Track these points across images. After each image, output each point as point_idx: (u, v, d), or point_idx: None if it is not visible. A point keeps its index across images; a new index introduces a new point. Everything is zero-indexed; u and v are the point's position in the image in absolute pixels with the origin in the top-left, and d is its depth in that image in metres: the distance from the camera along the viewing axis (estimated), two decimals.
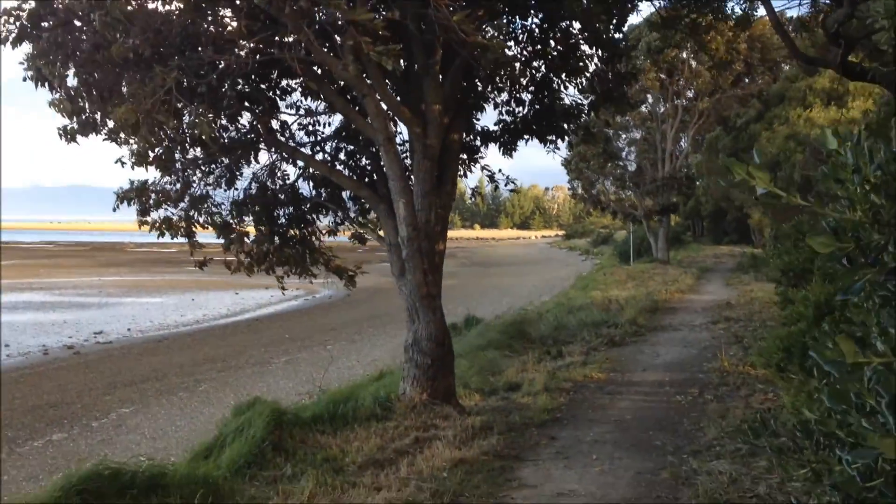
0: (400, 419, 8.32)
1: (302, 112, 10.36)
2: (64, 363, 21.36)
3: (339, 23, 8.39)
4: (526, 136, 10.58)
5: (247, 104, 9.29)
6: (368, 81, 8.43)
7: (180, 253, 77.09)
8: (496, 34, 7.26)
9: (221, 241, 10.47)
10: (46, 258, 74.81)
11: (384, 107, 8.80)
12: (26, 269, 58.39)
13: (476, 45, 7.14)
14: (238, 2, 7.87)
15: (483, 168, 10.59)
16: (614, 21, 10.04)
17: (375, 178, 10.10)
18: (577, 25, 9.86)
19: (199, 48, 7.77)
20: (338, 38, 8.40)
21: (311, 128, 10.58)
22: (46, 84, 8.00)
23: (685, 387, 10.86)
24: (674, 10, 12.70)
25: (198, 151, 9.76)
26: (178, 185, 9.92)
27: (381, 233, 9.89)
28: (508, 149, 10.64)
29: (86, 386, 17.60)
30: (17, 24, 7.81)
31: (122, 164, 9.30)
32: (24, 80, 8.06)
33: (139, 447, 12.27)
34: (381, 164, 9.79)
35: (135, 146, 8.93)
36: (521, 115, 10.53)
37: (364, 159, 10.54)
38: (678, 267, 35.22)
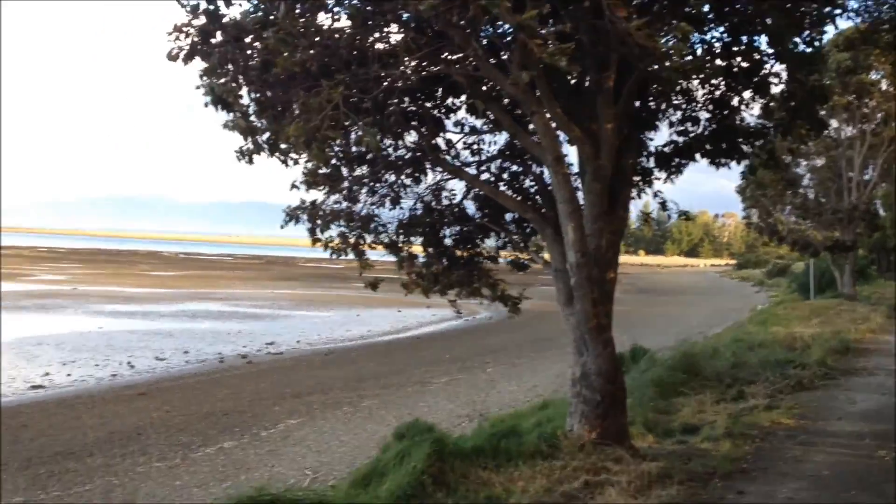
0: (567, 459, 7.86)
1: (466, 130, 10.23)
2: (237, 371, 22.25)
3: (506, 39, 8.22)
4: (699, 158, 9.99)
5: (412, 122, 9.26)
6: (537, 95, 8.17)
7: (347, 269, 79.48)
8: (676, 39, 6.78)
9: (392, 259, 10.48)
10: (225, 270, 79.07)
11: (553, 125, 8.51)
12: (207, 279, 61.84)
13: (654, 53, 6.70)
14: (405, 16, 7.80)
15: (655, 193, 10.08)
16: (807, 35, 9.30)
17: (540, 200, 9.83)
18: (763, 39, 9.22)
19: (366, 64, 7.74)
20: (504, 56, 8.22)
21: (475, 147, 10.44)
22: (220, 105, 8.13)
23: (888, 440, 9.83)
24: (873, 25, 11.76)
25: (364, 169, 9.82)
26: (346, 204, 10.00)
27: (546, 257, 9.57)
28: (677, 171, 10.11)
29: (257, 395, 18.19)
30: (188, 40, 7.97)
31: (297, 187, 9.49)
32: (206, 104, 8.22)
33: (305, 460, 12.46)
34: (547, 185, 9.50)
35: (305, 166, 9.07)
36: (694, 134, 9.97)
37: (528, 180, 10.29)
38: (866, 304, 32.77)
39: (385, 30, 7.94)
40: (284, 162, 8.60)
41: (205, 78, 8.07)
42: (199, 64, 8.11)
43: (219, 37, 7.94)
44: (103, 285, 50.12)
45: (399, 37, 7.76)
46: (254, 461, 12.58)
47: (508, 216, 10.44)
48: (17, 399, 18.10)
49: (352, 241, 10.07)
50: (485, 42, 7.93)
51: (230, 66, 8.01)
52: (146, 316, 34.89)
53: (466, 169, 10.03)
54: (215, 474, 11.92)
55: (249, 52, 8.00)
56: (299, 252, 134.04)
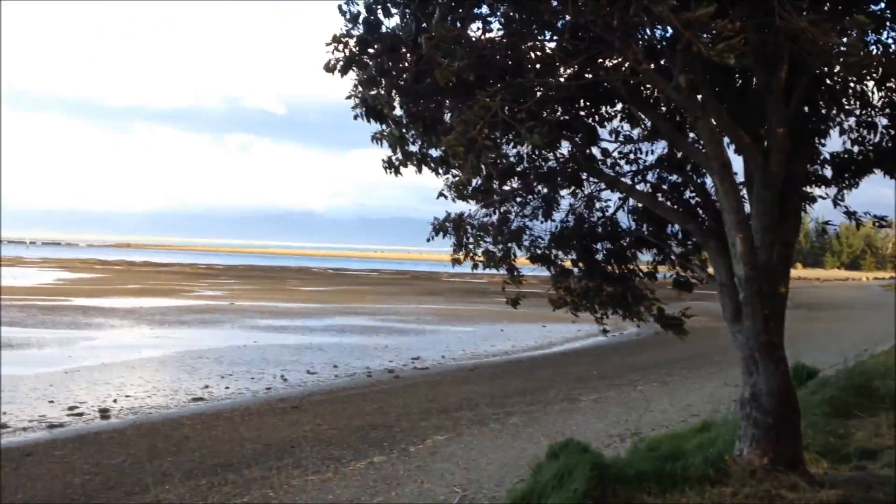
0: (737, 486, 7.32)
1: (622, 139, 9.83)
2: (385, 386, 22.50)
3: (664, 43, 7.83)
4: (876, 170, 9.19)
5: (565, 132, 8.97)
6: (700, 99, 7.72)
7: (490, 284, 79.59)
8: (851, 34, 6.20)
9: (537, 274, 10.19)
10: (371, 286, 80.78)
11: (718, 131, 8.03)
12: (354, 295, 63.32)
13: (828, 51, 6.16)
14: (560, 23, 7.54)
15: (836, 202, 9.33)
16: None
17: (701, 210, 9.32)
18: None
19: (521, 73, 7.53)
20: (664, 61, 7.83)
21: (631, 156, 10.02)
22: (372, 117, 8.12)
23: None
24: None
25: (515, 182, 9.60)
26: (495, 217, 9.80)
27: (710, 271, 9.04)
28: (852, 181, 9.34)
29: (404, 410, 18.28)
30: (346, 51, 7.99)
31: (445, 196, 9.35)
32: (356, 117, 8.23)
33: (453, 476, 12.33)
34: (710, 194, 9.01)
35: (454, 178, 8.94)
36: (872, 143, 9.19)
37: (688, 190, 9.78)
38: None
39: (539, 38, 7.72)
40: (435, 172, 8.51)
41: (358, 88, 8.09)
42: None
43: (375, 48, 7.94)
44: (258, 301, 52.09)
45: (553, 44, 7.53)
46: (403, 476, 12.56)
47: (667, 229, 9.96)
48: (178, 411, 18.90)
49: (499, 255, 9.85)
50: (643, 45, 7.57)
51: (384, 78, 7.99)
52: (298, 330, 35.97)
53: (623, 179, 9.64)
54: (366, 489, 11.95)
55: (403, 63, 7.95)
56: (442, 267, 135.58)
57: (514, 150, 9.09)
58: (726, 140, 8.26)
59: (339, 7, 8.03)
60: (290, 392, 21.54)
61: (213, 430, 16.46)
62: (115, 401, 19.51)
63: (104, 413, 18.28)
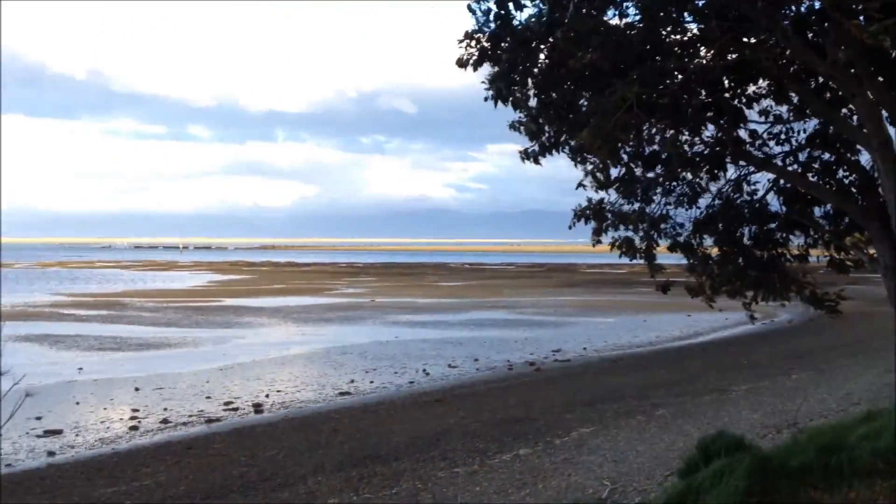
0: None
1: (771, 119, 9.35)
2: (527, 379, 22.42)
3: (814, 17, 7.39)
4: None
5: (710, 115, 8.61)
6: (855, 74, 7.24)
7: (630, 274, 78.26)
8: None
9: (683, 262, 9.86)
10: (508, 279, 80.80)
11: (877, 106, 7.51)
12: (491, 289, 63.49)
13: None
14: (701, 3, 7.25)
15: None
16: None
17: (857, 190, 8.76)
18: None
19: (659, 57, 7.29)
20: (813, 35, 7.38)
21: (782, 136, 9.52)
22: (510, 104, 8.10)
23: None
24: None
25: (658, 169, 9.31)
26: (637, 205, 9.54)
27: (872, 252, 8.49)
28: None
29: (547, 402, 18.13)
30: (479, 46, 8.02)
31: (584, 187, 9.19)
32: (495, 104, 8.21)
33: (601, 469, 12.12)
34: (868, 173, 8.46)
35: (593, 167, 8.77)
36: None
37: (841, 169, 9.21)
38: None
39: (679, 20, 7.46)
40: (574, 161, 8.38)
41: (493, 83, 8.08)
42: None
43: (508, 41, 7.91)
44: (397, 297, 53.08)
45: (694, 26, 7.26)
46: (549, 469, 12.44)
47: (818, 210, 9.42)
48: (326, 405, 19.49)
49: (641, 245, 9.58)
50: (790, 21, 7.17)
51: (516, 74, 7.95)
52: (438, 325, 36.39)
53: (773, 161, 9.17)
54: (513, 481, 11.91)
55: (536, 55, 7.89)
56: (581, 259, 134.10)
57: (657, 137, 8.84)
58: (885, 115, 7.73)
59: (469, 6, 8.05)
60: (433, 385, 21.81)
61: (360, 423, 16.84)
62: (267, 396, 20.29)
63: (257, 408, 19.04)
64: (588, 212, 9.42)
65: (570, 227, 9.69)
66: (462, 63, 8.04)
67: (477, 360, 26.06)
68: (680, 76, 7.39)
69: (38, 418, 17.33)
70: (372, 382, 22.21)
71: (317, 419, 17.55)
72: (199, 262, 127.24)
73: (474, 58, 7.96)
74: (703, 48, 7.45)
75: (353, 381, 22.23)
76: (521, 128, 8.16)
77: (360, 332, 33.47)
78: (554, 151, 8.37)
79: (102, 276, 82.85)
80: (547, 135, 8.27)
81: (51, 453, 15.17)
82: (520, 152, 8.48)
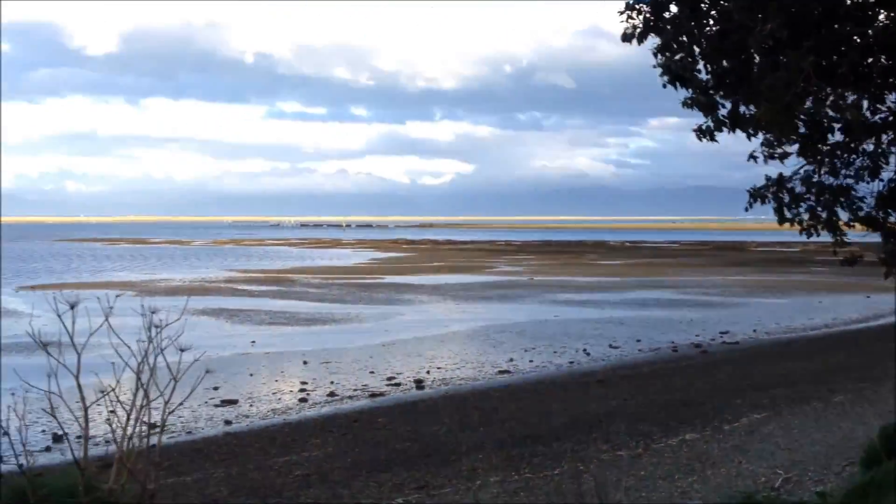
0: None
1: None
2: (692, 361, 21.72)
3: None
4: None
5: (892, 80, 7.90)
6: None
7: (804, 253, 74.46)
8: None
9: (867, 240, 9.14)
10: (671, 258, 78.62)
11: None
12: (654, 267, 61.97)
13: None
14: None
15: None
16: None
17: None
18: None
19: (837, 23, 6.72)
20: None
21: None
22: (677, 82, 7.72)
23: None
24: None
25: (836, 138, 8.66)
26: (817, 178, 8.91)
27: None
28: None
29: (714, 386, 17.48)
30: (640, 17, 7.66)
31: (755, 159, 8.69)
32: (664, 85, 7.87)
33: (774, 458, 11.53)
34: None
35: (767, 140, 8.27)
36: None
37: None
38: None
39: None
40: (748, 134, 7.91)
41: (659, 56, 7.73)
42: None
43: (673, 9, 7.53)
44: (556, 275, 52.66)
45: None
46: (718, 455, 11.95)
47: None
48: (486, 383, 19.58)
49: (823, 217, 8.94)
50: None
51: (685, 40, 7.56)
52: (598, 305, 35.84)
53: None
54: (679, 467, 11.52)
55: (705, 21, 7.47)
56: (750, 237, 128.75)
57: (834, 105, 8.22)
58: None
59: None
60: (594, 366, 21.49)
61: (520, 402, 16.79)
62: (428, 372, 20.60)
63: (419, 384, 19.36)
64: (767, 191, 8.89)
65: (746, 210, 9.20)
66: (627, 37, 7.72)
67: (639, 340, 25.47)
68: (859, 41, 6.81)
69: (216, 388, 18.30)
70: (531, 361, 22.12)
71: (476, 397, 17.64)
72: (361, 239, 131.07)
73: (639, 30, 7.62)
74: (882, 11, 6.83)
75: (512, 360, 22.21)
76: (695, 104, 7.77)
77: (519, 311, 33.42)
78: (730, 127, 7.93)
79: (272, 253, 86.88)
80: (723, 109, 7.84)
81: (227, 422, 16.00)
82: (694, 130, 8.09)
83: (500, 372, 20.76)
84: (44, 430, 14.04)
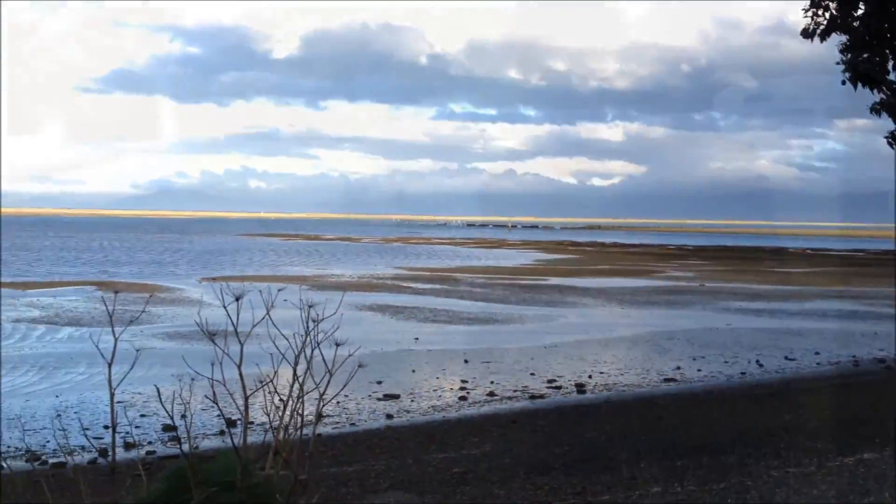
0: None
1: None
2: (875, 377, 20.38)
3: None
4: None
5: None
6: None
7: None
8: None
9: None
10: (856, 266, 73.95)
11: None
12: (836, 276, 58.47)
13: None
14: None
15: None
16: None
17: None
18: None
19: None
20: None
21: None
22: (863, 83, 7.22)
23: None
24: None
25: None
26: None
27: None
28: None
29: None
30: (826, 14, 7.22)
31: None
32: (843, 82, 7.40)
33: None
34: None
35: None
36: None
37: None
38: None
39: None
40: None
41: (845, 54, 7.27)
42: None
43: (861, 8, 7.06)
44: (729, 282, 50.62)
45: None
46: None
47: None
48: (650, 390, 19.07)
49: None
50: None
51: (874, 40, 7.06)
52: (774, 314, 34.18)
53: None
54: (855, 487, 10.75)
55: None
56: None
57: None
58: None
59: None
60: (767, 378, 20.50)
61: (686, 411, 16.24)
62: (589, 376, 20.28)
63: (580, 388, 19.09)
64: None
65: None
66: (807, 33, 7.32)
67: (818, 353, 24.06)
68: None
69: (379, 382, 18.77)
70: (700, 370, 21.35)
71: (640, 404, 17.21)
72: (526, 240, 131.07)
73: (822, 27, 7.20)
74: None
75: (679, 368, 21.52)
76: (882, 109, 7.24)
77: (688, 317, 32.36)
78: None
79: (438, 252, 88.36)
80: None
81: (389, 416, 16.36)
82: (886, 137, 7.56)
83: (666, 380, 20.16)
84: (218, 416, 14.85)
